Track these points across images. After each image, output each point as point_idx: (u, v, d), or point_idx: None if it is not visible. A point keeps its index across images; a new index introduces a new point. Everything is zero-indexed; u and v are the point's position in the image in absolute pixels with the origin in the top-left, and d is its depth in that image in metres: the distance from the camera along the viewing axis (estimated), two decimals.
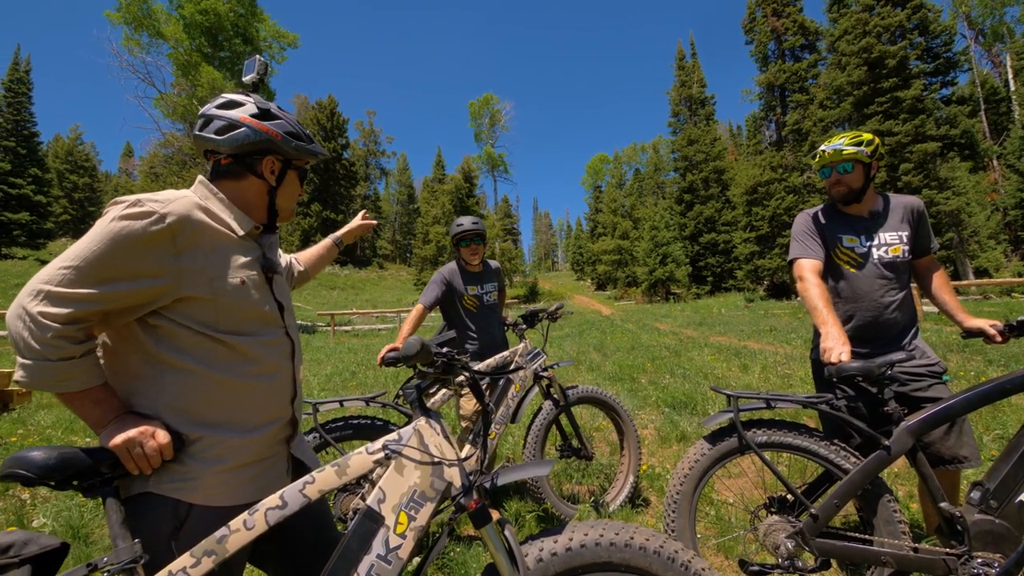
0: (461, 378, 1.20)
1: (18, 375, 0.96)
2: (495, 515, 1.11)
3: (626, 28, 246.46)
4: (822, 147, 2.15)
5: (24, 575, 0.97)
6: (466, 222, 2.99)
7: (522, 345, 2.80)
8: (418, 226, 46.31)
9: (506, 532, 1.08)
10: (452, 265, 3.06)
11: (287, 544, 1.23)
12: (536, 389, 2.78)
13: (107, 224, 0.99)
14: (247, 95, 1.23)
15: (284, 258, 1.58)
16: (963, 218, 20.84)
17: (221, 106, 1.19)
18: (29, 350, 0.94)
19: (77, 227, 46.76)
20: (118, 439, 0.98)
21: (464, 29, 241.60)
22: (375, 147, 61.99)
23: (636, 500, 2.91)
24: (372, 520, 1.04)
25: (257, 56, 1.28)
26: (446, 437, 1.14)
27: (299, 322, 22.52)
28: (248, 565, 1.22)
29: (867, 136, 2.09)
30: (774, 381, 6.12)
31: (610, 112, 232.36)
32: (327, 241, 1.83)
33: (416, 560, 1.87)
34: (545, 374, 2.74)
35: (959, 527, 1.60)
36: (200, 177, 1.20)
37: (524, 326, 2.97)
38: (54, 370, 0.96)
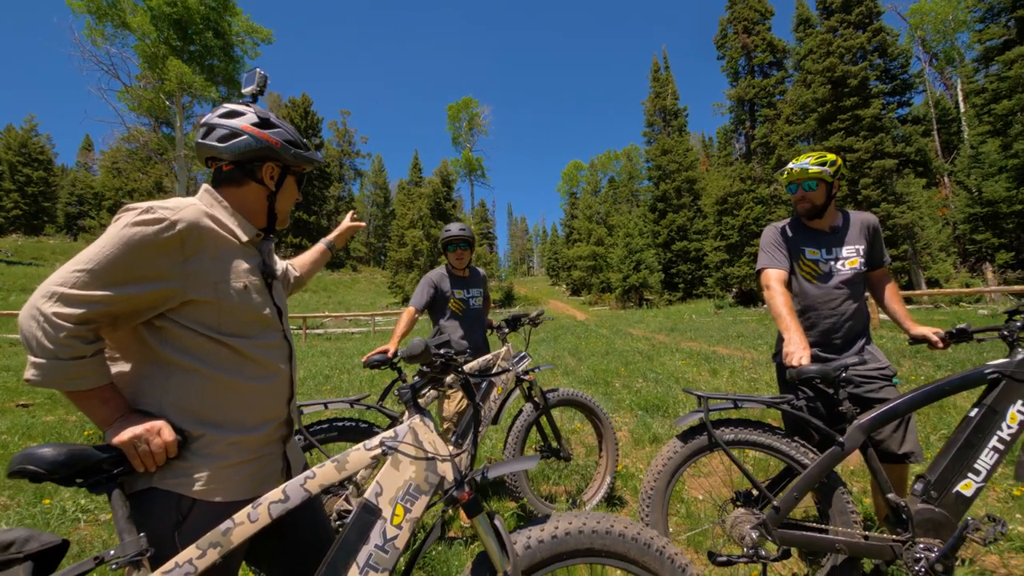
0: (451, 379, 1.27)
1: (29, 374, 0.98)
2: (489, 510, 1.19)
3: (603, 38, 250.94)
4: (790, 165, 2.31)
5: (26, 571, 0.99)
6: (454, 228, 3.08)
7: (504, 349, 2.89)
8: (393, 229, 45.87)
9: (496, 521, 1.15)
10: (441, 269, 3.16)
11: (284, 542, 1.27)
12: (517, 391, 2.86)
13: (120, 230, 1.03)
14: (247, 106, 1.28)
15: (280, 264, 1.62)
16: (917, 231, 22.00)
17: (223, 116, 1.24)
18: (42, 349, 0.97)
19: (30, 223, 44.43)
20: (124, 436, 1.02)
21: (442, 32, 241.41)
22: (349, 148, 61.22)
23: (612, 499, 3.02)
24: (370, 512, 1.10)
25: (257, 69, 1.33)
26: (439, 434, 1.21)
27: None
28: (244, 565, 1.26)
29: (830, 157, 2.26)
30: (741, 385, 6.37)
31: (586, 120, 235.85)
32: (319, 245, 1.85)
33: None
34: (526, 377, 2.82)
35: (904, 516, 1.75)
36: (205, 186, 1.25)
37: (507, 330, 3.06)
38: (66, 369, 0.99)
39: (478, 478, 1.19)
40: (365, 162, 65.29)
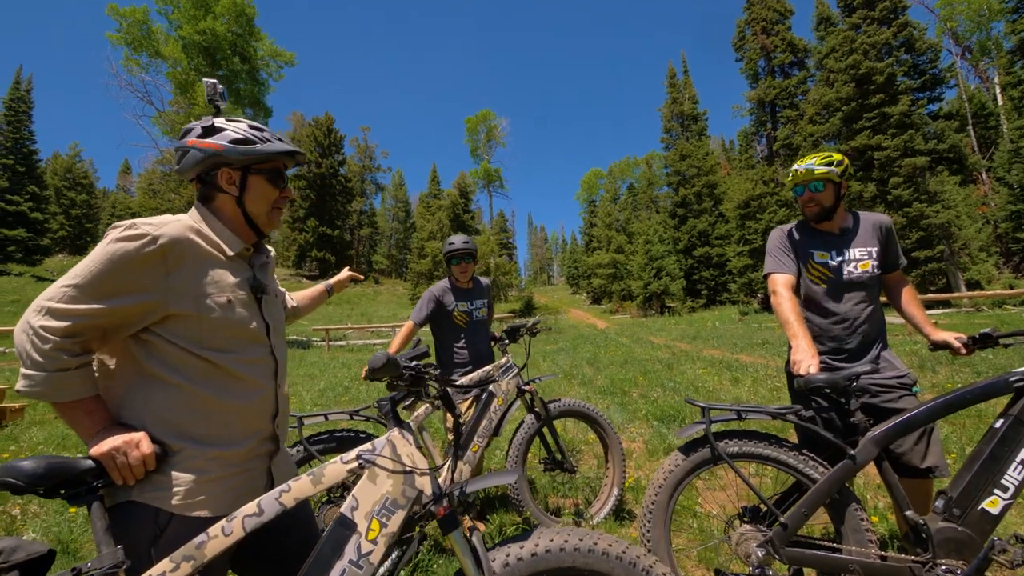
0: (434, 391, 1.26)
1: (20, 384, 1.03)
2: (467, 523, 1.16)
3: (619, 43, 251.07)
4: (795, 167, 2.24)
5: None
6: (457, 241, 3.08)
7: (504, 359, 2.86)
8: (414, 241, 46.47)
9: (473, 538, 1.13)
10: (444, 283, 3.15)
11: (271, 551, 1.27)
12: (519, 402, 2.82)
13: (106, 246, 1.07)
14: (202, 118, 1.29)
15: (279, 290, 1.62)
16: (953, 231, 21.08)
17: (179, 137, 1.26)
18: (31, 360, 1.02)
19: (74, 243, 46.69)
20: (104, 448, 1.04)
21: (459, 46, 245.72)
22: (370, 163, 62.46)
23: (621, 513, 2.94)
24: (345, 527, 1.09)
25: (205, 80, 1.36)
26: (418, 447, 1.19)
27: (294, 337, 22.44)
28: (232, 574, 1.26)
29: (837, 156, 2.18)
30: (763, 394, 6.16)
31: (605, 127, 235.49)
32: (320, 287, 1.96)
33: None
34: (527, 388, 2.79)
35: (923, 535, 1.65)
36: (196, 202, 1.27)
37: (507, 341, 3.03)
38: (51, 380, 1.03)
39: (456, 493, 1.16)
40: (386, 176, 66.50)
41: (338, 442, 2.30)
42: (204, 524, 1.07)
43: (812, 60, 29.27)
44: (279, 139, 1.29)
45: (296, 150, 1.30)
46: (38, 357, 1.01)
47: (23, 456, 4.45)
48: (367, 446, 1.17)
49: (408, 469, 1.15)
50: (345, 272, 2.09)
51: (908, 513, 1.69)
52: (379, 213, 67.33)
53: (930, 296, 13.13)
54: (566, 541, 1.15)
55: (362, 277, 2.15)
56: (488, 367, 2.84)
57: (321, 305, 1.98)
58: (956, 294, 15.30)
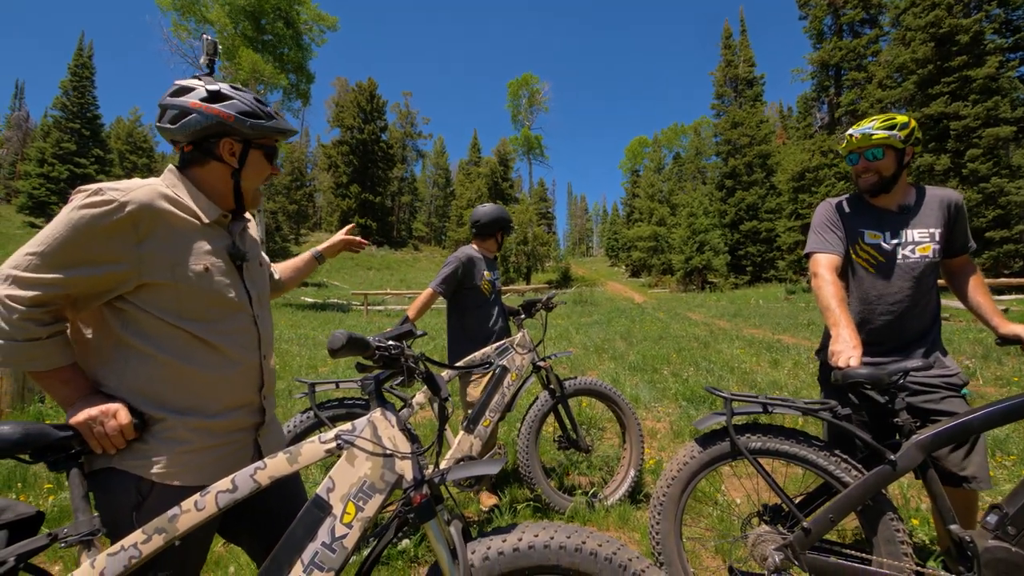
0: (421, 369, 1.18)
1: None
2: (453, 512, 1.10)
3: (670, 5, 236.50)
4: (849, 131, 1.98)
5: (1, 540, 1.03)
6: (505, 211, 2.99)
7: (520, 335, 2.76)
8: (453, 208, 46.57)
9: (451, 528, 1.06)
10: (472, 250, 2.92)
11: (259, 520, 1.26)
12: (533, 378, 2.75)
13: (69, 212, 1.01)
14: (199, 79, 1.20)
15: (265, 259, 1.57)
16: None
17: (173, 94, 1.17)
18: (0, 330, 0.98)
19: None
20: (80, 417, 1.02)
21: (503, 7, 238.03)
22: (412, 129, 62.32)
23: (637, 495, 2.86)
24: (319, 508, 1.04)
25: (206, 36, 1.27)
26: (402, 429, 1.12)
27: (334, 300, 23.19)
28: (226, 542, 1.26)
29: (901, 119, 1.90)
30: (804, 379, 5.86)
31: (652, 93, 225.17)
32: (307, 255, 1.76)
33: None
34: (542, 364, 2.70)
35: (969, 552, 1.48)
36: (170, 165, 1.21)
37: (523, 316, 2.93)
38: (21, 350, 1.00)
39: (437, 479, 1.10)
40: (427, 143, 66.39)
41: (348, 409, 2.30)
42: (188, 493, 1.05)
43: (887, 17, 26.55)
44: (278, 115, 1.25)
45: (293, 129, 1.28)
46: (6, 327, 0.98)
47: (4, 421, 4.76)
48: (347, 426, 1.11)
49: (389, 452, 1.09)
50: (341, 233, 1.85)
51: (953, 527, 1.51)
52: (419, 180, 67.66)
53: (1004, 280, 12.03)
54: (552, 538, 1.07)
55: (365, 241, 1.90)
56: (504, 342, 2.75)
57: (311, 274, 1.84)
58: None
